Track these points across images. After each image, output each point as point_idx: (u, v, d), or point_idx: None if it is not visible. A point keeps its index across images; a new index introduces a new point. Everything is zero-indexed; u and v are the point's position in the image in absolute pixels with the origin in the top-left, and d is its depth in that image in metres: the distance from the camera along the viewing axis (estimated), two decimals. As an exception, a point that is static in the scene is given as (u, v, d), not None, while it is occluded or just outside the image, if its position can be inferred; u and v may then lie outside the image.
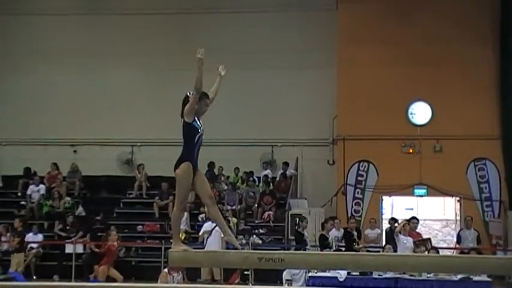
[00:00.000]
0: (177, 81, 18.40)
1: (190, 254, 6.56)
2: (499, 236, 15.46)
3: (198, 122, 6.71)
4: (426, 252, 11.53)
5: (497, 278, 13.21)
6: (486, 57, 16.66)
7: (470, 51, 16.50)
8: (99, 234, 15.19)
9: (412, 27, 16.63)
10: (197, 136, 6.70)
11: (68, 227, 15.80)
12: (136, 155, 18.70)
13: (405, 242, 12.17)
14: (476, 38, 16.60)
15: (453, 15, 16.63)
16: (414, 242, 12.21)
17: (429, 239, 12.86)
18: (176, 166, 6.71)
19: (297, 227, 14.09)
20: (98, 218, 16.49)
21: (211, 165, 17.84)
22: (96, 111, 18.42)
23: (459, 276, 11.02)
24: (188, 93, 6.71)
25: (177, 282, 9.96)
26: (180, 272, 10.31)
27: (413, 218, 13.46)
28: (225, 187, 17.42)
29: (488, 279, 11.21)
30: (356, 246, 13.36)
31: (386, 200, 17.15)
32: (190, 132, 6.72)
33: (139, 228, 16.61)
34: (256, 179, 17.66)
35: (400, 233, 12.41)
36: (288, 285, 11.55)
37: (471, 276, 11.01)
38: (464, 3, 16.71)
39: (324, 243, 13.12)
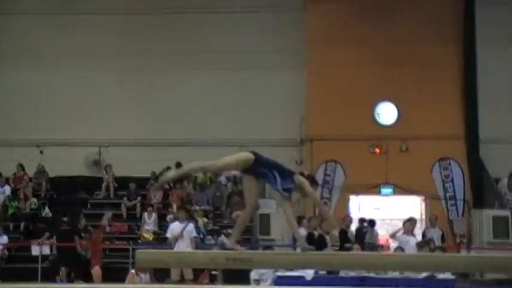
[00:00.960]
0: (146, 82, 18.48)
1: (158, 254, 6.57)
2: (463, 235, 15.75)
3: None
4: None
5: (461, 276, 13.45)
6: (451, 58, 16.96)
7: (436, 53, 16.76)
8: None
9: (378, 28, 16.83)
10: None
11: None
12: (104, 156, 18.56)
13: (408, 241, 12.29)
14: (441, 40, 16.86)
15: (420, 17, 16.89)
16: (417, 244, 12.26)
17: (432, 239, 12.88)
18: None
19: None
20: (65, 219, 16.31)
21: (177, 165, 17.77)
22: (63, 111, 18.23)
23: (424, 275, 11.18)
24: None
25: (145, 283, 9.94)
26: (148, 273, 10.28)
27: (411, 218, 13.53)
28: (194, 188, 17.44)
29: (452, 277, 11.39)
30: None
31: (354, 200, 17.34)
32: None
33: (107, 229, 16.49)
34: (225, 179, 17.69)
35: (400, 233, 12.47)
36: (256, 285, 11.58)
37: (435, 275, 11.18)
38: (431, 5, 16.96)
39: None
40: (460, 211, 16.68)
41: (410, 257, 6.39)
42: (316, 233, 13.37)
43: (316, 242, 12.80)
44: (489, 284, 12.79)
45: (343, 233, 14.14)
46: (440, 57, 16.78)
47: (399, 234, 12.77)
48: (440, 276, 11.27)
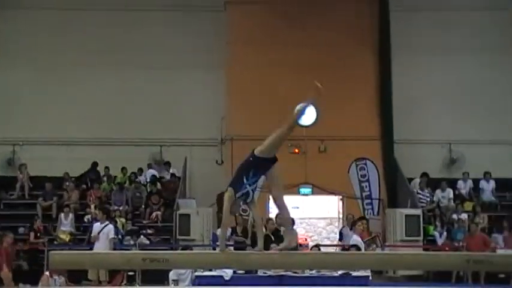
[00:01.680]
0: (63, 80, 18.06)
1: (73, 255, 6.45)
2: (378, 233, 16.16)
3: None
4: (378, 249, 11.78)
5: (376, 273, 13.86)
6: (368, 60, 17.44)
7: (353, 56, 17.21)
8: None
9: (298, 31, 17.11)
10: None
11: None
12: (19, 155, 18.02)
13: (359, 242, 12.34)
14: (358, 43, 17.33)
15: (337, 21, 17.27)
16: (365, 242, 12.40)
17: (377, 235, 13.05)
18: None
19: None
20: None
21: (94, 165, 17.52)
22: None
23: (340, 272, 11.44)
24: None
25: (60, 285, 9.72)
26: (62, 275, 10.06)
27: (363, 218, 13.58)
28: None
29: (367, 274, 11.71)
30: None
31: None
32: None
33: (21, 230, 15.99)
34: (144, 178, 17.54)
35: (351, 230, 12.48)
36: (174, 285, 11.54)
37: (351, 272, 11.47)
38: (347, 10, 17.38)
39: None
40: (376, 210, 17.15)
41: (325, 255, 6.55)
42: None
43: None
44: (401, 280, 13.23)
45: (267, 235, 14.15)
46: (358, 61, 17.24)
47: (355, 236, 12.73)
48: (355, 273, 11.57)
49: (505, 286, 12.78)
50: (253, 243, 12.65)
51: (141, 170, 17.64)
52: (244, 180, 6.19)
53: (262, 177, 14.69)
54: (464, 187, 17.15)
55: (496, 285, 13.01)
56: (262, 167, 6.17)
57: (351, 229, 12.75)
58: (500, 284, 13.16)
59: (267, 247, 12.31)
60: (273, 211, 17.39)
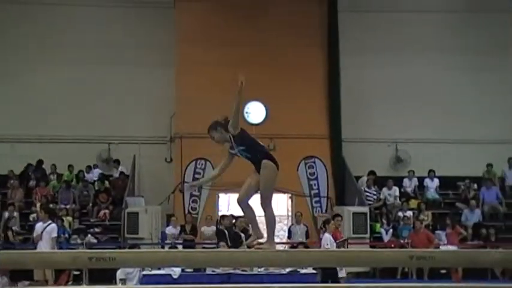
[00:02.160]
0: (9, 76, 17.66)
1: (17, 255, 6.33)
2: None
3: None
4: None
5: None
6: (316, 60, 17.59)
7: (302, 55, 17.31)
8: None
9: (247, 29, 17.14)
10: None
11: None
12: None
13: (329, 243, 12.21)
14: (307, 42, 17.45)
15: (286, 20, 17.35)
16: (337, 244, 12.31)
17: (347, 239, 13.03)
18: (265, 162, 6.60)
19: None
20: None
21: (39, 163, 17.21)
22: None
23: (288, 270, 11.56)
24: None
25: (3, 286, 9.52)
26: (4, 276, 9.84)
27: (338, 215, 13.61)
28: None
29: (314, 271, 11.86)
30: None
31: (223, 197, 17.55)
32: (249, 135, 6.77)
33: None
34: (92, 176, 17.32)
35: (325, 230, 12.34)
36: (121, 284, 11.43)
37: (298, 269, 11.60)
38: (297, 9, 17.47)
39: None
40: (324, 208, 17.32)
41: (272, 253, 6.59)
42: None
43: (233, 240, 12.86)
44: (348, 277, 13.37)
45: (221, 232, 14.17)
46: (307, 60, 17.37)
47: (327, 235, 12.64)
48: (303, 270, 11.71)
49: (447, 281, 13.12)
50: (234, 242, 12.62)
51: (89, 168, 17.42)
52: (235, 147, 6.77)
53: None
54: (409, 185, 17.52)
55: (438, 280, 13.34)
56: (240, 140, 6.69)
57: (323, 228, 12.55)
58: (442, 279, 13.51)
59: (236, 245, 12.41)
60: (223, 209, 17.46)
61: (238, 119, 6.66)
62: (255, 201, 6.93)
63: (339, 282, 11.02)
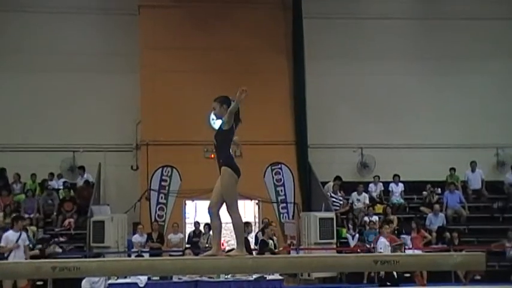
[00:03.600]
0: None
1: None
2: (293, 236, 16.41)
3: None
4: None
5: (290, 276, 14.10)
6: (282, 66, 17.69)
7: (268, 61, 17.40)
8: None
9: (212, 36, 17.15)
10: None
11: None
12: None
13: (383, 247, 12.49)
14: (273, 49, 17.56)
15: (251, 26, 17.44)
16: (392, 246, 12.32)
17: (403, 244, 13.08)
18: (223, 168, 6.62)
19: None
20: None
21: (2, 171, 16.94)
22: None
23: (254, 276, 11.58)
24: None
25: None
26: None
27: (391, 221, 13.46)
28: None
29: (281, 277, 11.90)
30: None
31: (190, 205, 17.49)
32: (231, 138, 6.74)
33: None
34: (56, 183, 17.10)
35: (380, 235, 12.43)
36: (87, 293, 11.31)
37: (265, 276, 11.63)
38: (262, 15, 17.58)
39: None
40: (291, 214, 17.38)
41: (238, 260, 6.59)
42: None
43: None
44: (315, 282, 13.48)
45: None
46: (272, 67, 17.45)
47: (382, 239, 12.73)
48: (270, 277, 11.74)
49: (409, 284, 13.28)
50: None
51: (51, 175, 17.17)
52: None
53: (178, 183, 14.53)
54: (375, 190, 17.69)
55: (403, 284, 13.47)
56: (220, 136, 6.77)
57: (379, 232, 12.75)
58: (405, 283, 13.66)
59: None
60: (190, 216, 17.40)
61: (232, 119, 6.78)
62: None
63: None
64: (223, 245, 17.95)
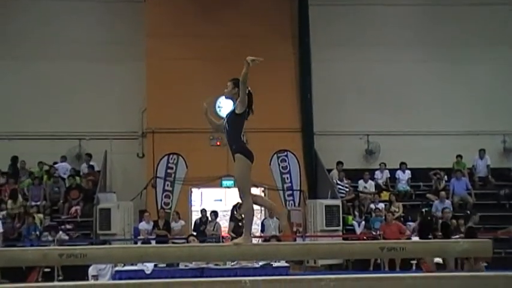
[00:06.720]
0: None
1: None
2: (299, 224, 16.43)
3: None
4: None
5: (296, 263, 14.12)
6: (287, 53, 17.61)
7: (273, 48, 17.24)
8: None
9: (217, 23, 17.09)
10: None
11: None
12: None
13: None
14: (279, 36, 17.47)
15: (256, 13, 17.35)
16: None
17: None
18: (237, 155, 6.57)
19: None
20: None
21: (14, 159, 17.00)
22: None
23: (261, 263, 11.61)
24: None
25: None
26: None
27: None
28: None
29: (287, 264, 11.92)
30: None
31: (196, 192, 17.52)
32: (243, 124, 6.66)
33: None
34: (63, 170, 17.16)
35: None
36: (94, 280, 11.36)
37: (271, 263, 11.65)
38: (267, 3, 17.50)
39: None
40: (297, 201, 17.39)
41: (244, 247, 6.59)
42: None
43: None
44: (321, 269, 13.50)
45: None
46: (278, 54, 17.30)
47: None
48: (276, 264, 11.76)
49: (417, 271, 13.28)
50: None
51: (55, 163, 17.20)
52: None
53: (184, 170, 14.55)
54: (381, 177, 17.66)
55: (409, 270, 13.49)
56: (232, 120, 6.74)
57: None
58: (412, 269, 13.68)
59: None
60: (195, 204, 17.43)
61: (245, 99, 6.60)
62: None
63: None
64: (228, 232, 18.04)
